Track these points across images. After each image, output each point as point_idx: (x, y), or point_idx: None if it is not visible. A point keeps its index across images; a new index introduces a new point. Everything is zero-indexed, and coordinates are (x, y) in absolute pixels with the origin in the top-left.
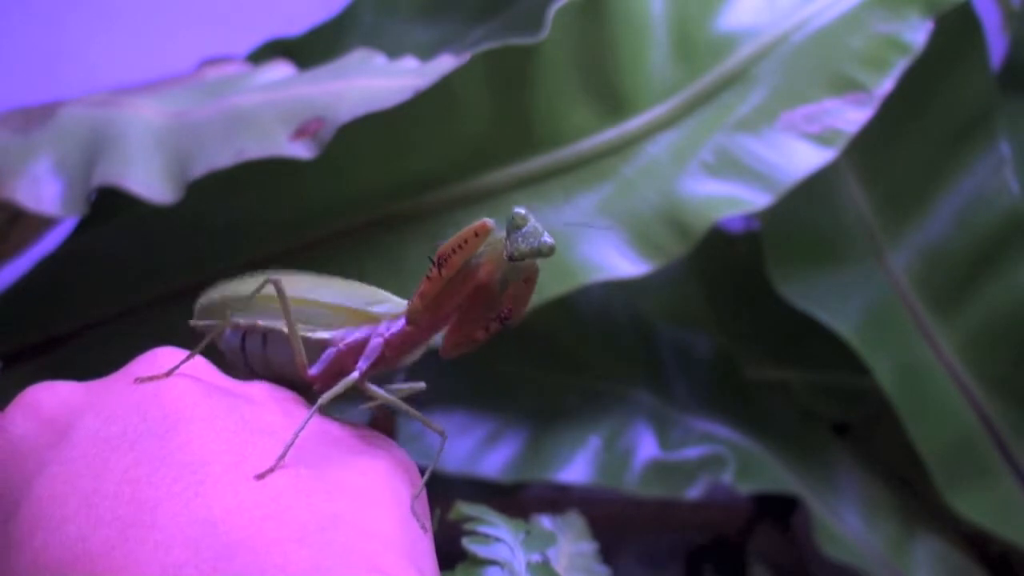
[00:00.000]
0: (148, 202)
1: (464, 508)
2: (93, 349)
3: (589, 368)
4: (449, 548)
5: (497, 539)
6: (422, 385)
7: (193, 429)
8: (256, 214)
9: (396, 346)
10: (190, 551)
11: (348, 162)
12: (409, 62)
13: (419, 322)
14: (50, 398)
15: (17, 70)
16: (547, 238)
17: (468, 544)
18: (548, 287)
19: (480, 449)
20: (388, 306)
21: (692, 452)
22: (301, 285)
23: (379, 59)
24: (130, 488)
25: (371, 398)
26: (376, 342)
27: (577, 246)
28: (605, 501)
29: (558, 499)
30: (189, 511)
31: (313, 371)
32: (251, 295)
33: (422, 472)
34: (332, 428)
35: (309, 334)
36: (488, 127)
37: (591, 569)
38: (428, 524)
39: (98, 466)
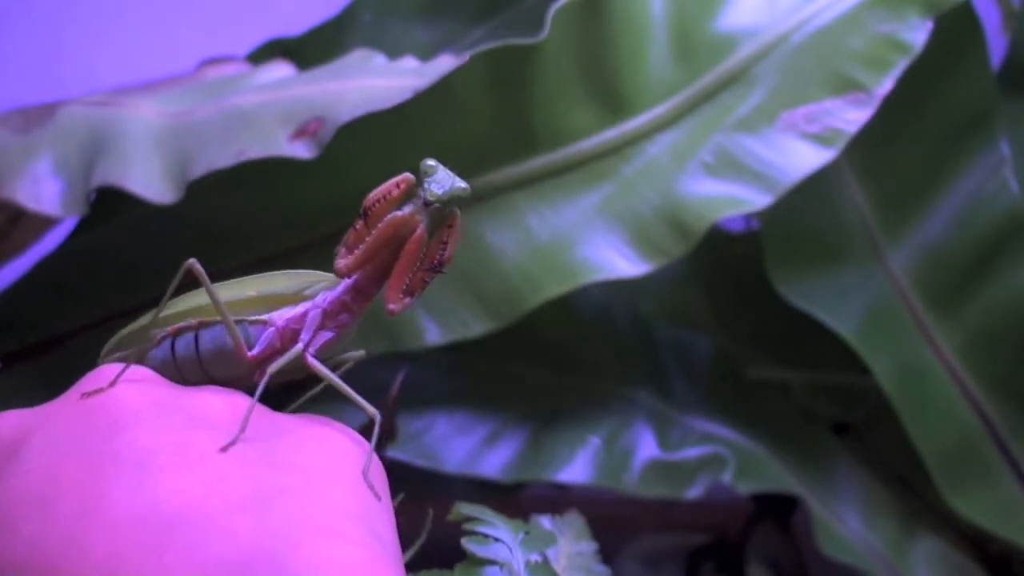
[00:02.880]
0: (148, 202)
1: (463, 508)
2: (93, 349)
3: (589, 368)
4: (449, 548)
5: (496, 539)
6: (362, 353)
7: (138, 429)
8: (256, 214)
9: (335, 313)
10: (134, 529)
11: (348, 162)
12: (409, 62)
13: (355, 281)
14: (5, 425)
15: (17, 70)
16: (459, 182)
17: (467, 544)
18: (548, 287)
19: (480, 449)
20: (322, 284)
21: (692, 452)
22: (230, 289)
23: (379, 59)
24: (80, 488)
25: (315, 376)
26: (314, 313)
27: (577, 246)
28: (605, 501)
29: (558, 499)
30: (134, 497)
31: (253, 352)
32: (171, 286)
33: (396, 472)
34: (279, 417)
35: (246, 316)
36: (488, 127)
37: (590, 569)
38: (383, 494)
39: (49, 474)
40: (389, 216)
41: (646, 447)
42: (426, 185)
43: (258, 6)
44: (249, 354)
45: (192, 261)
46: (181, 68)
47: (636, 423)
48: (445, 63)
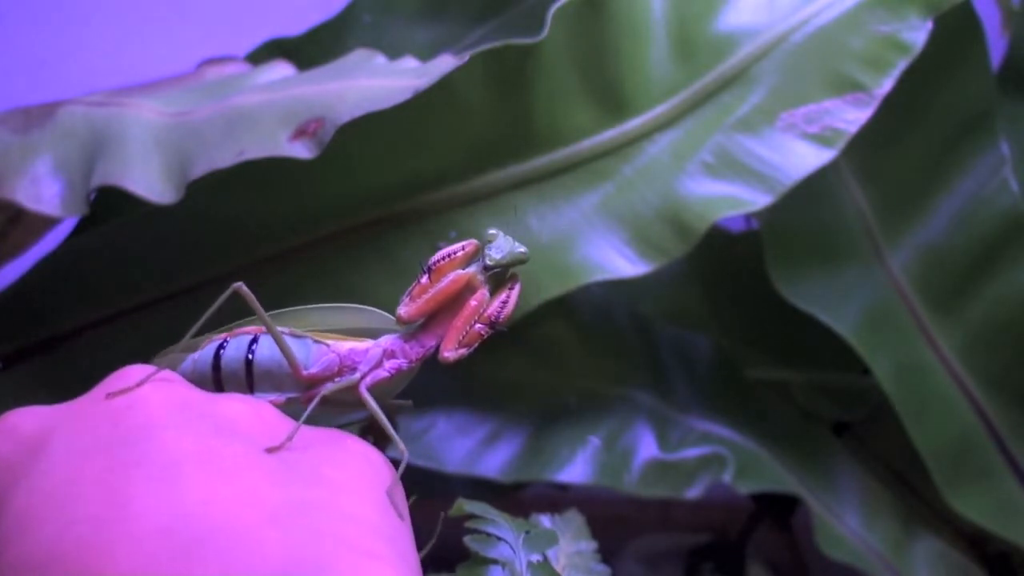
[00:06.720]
0: (148, 202)
1: (466, 505)
2: (93, 349)
3: (589, 368)
4: (449, 548)
5: (499, 538)
6: (409, 403)
7: (166, 435)
8: (257, 214)
9: (394, 356)
10: (163, 539)
11: (348, 162)
12: (409, 62)
13: (415, 331)
14: (27, 420)
15: (17, 70)
16: (519, 247)
17: (471, 543)
18: (548, 287)
19: (480, 449)
20: (385, 326)
21: (692, 452)
22: (295, 319)
23: (379, 59)
24: (104, 489)
25: (362, 405)
26: (376, 351)
27: (577, 246)
28: (605, 501)
29: (558, 499)
30: (162, 504)
31: (310, 371)
32: (213, 307)
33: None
34: (305, 430)
35: (312, 338)
36: (488, 127)
37: (590, 568)
38: (405, 513)
39: (72, 473)
40: (453, 274)
41: (646, 447)
42: (487, 250)
43: (258, 6)
44: (304, 372)
45: (239, 284)
46: (181, 68)
47: (636, 423)
48: (445, 63)
